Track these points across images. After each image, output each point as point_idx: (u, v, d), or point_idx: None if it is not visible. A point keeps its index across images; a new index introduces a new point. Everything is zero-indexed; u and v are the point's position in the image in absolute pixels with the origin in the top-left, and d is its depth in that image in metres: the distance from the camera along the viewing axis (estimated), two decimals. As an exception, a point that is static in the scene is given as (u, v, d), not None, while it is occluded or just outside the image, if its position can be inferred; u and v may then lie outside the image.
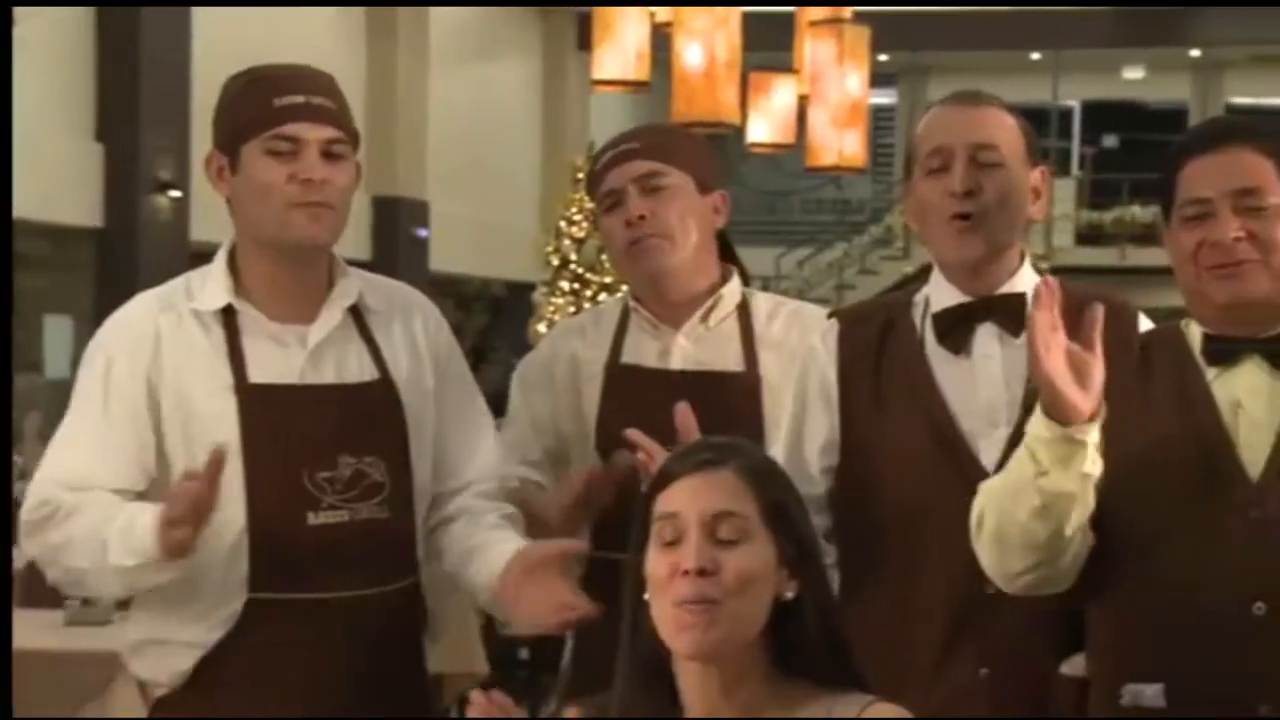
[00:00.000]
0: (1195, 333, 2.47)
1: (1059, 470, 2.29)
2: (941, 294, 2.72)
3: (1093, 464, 2.29)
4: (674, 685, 2.11)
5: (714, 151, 3.24)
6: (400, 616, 2.78)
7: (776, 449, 2.74)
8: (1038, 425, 2.28)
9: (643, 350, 3.04)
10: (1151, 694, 2.38)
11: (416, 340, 2.85)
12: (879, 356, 2.72)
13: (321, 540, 2.65)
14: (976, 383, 2.66)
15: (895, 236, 20.84)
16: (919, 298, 2.76)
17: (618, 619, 2.20)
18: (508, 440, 3.05)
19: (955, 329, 2.69)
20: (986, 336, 2.68)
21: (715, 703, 2.08)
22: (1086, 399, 2.23)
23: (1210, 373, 2.44)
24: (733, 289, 3.08)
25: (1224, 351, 2.43)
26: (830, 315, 2.87)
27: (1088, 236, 21.20)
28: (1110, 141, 22.73)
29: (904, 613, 2.63)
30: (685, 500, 2.07)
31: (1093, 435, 2.27)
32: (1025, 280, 2.71)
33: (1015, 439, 2.50)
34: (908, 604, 2.63)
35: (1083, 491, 2.31)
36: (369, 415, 2.74)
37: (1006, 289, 2.69)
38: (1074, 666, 2.61)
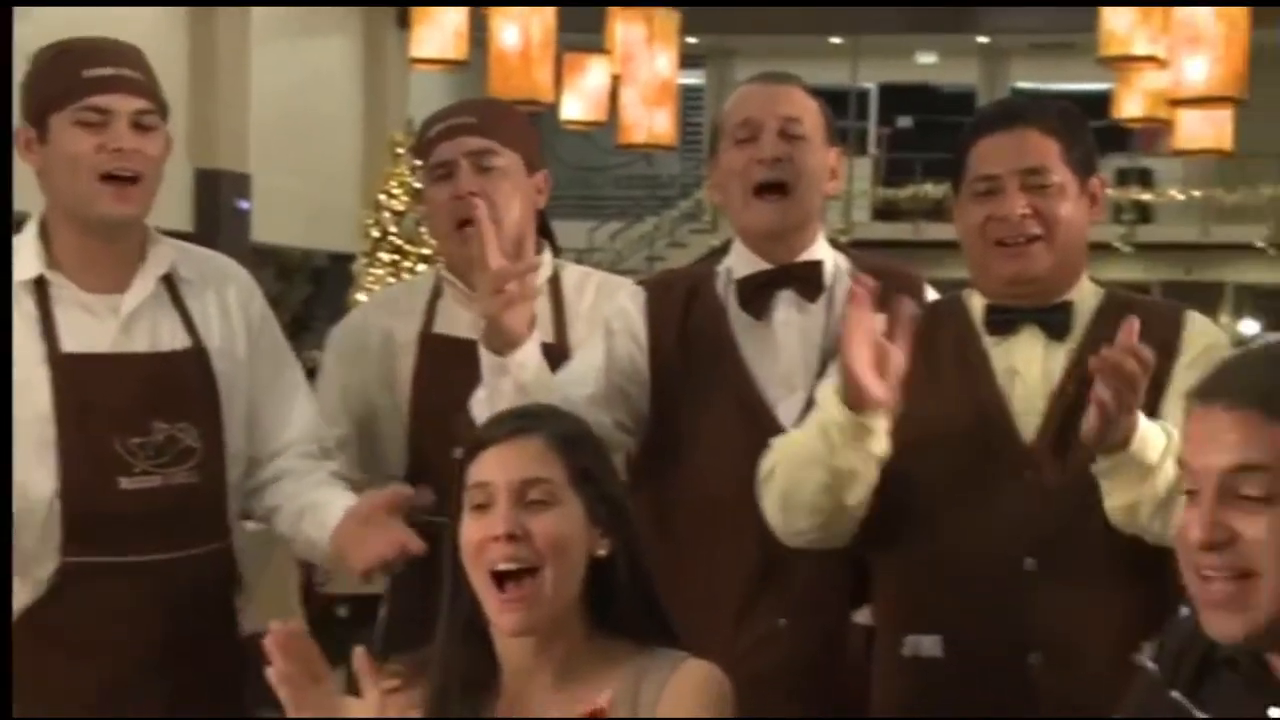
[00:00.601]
0: (977, 303, 2.53)
1: (849, 452, 2.34)
2: (743, 263, 2.75)
3: (881, 446, 2.34)
4: (492, 644, 2.11)
5: (537, 130, 3.23)
6: (211, 578, 2.75)
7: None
8: (834, 408, 2.32)
9: (456, 321, 3.00)
10: (929, 644, 2.43)
11: (229, 308, 2.81)
12: (684, 323, 2.74)
13: (133, 505, 2.62)
14: (777, 348, 2.70)
15: (704, 211, 20.96)
16: (721, 268, 2.78)
17: (431, 580, 2.20)
18: (326, 409, 2.99)
19: (757, 296, 2.72)
20: (786, 303, 2.72)
21: (532, 663, 2.09)
22: (884, 389, 2.27)
23: (989, 341, 2.49)
24: (545, 262, 3.07)
25: (1003, 322, 2.49)
26: (638, 284, 2.89)
27: (883, 212, 21.52)
28: (905, 122, 23.06)
29: (708, 567, 2.66)
30: (495, 468, 2.07)
31: (884, 422, 2.31)
32: (821, 251, 2.76)
33: (811, 403, 2.55)
34: (712, 559, 2.66)
35: (869, 471, 2.36)
36: (181, 382, 2.70)
37: (806, 257, 2.73)
38: (866, 616, 2.67)
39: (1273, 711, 1.68)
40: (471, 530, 2.06)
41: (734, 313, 2.73)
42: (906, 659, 2.46)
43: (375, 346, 3.04)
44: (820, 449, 2.34)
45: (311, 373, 3.08)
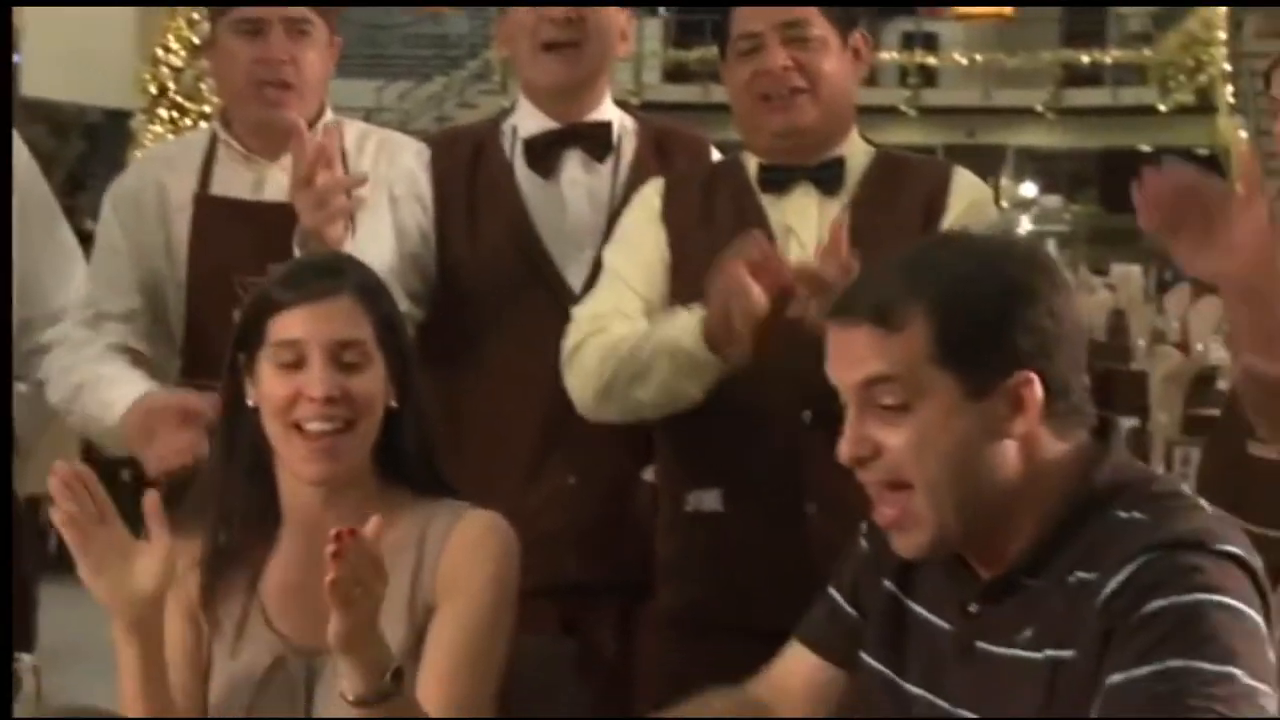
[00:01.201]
0: (752, 163, 2.56)
1: (691, 380, 2.37)
2: (530, 120, 2.73)
3: (720, 374, 2.36)
4: (276, 491, 2.11)
5: None
6: None
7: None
8: (691, 340, 2.33)
9: (233, 181, 2.89)
10: (710, 499, 2.48)
11: None
12: (470, 182, 2.71)
13: None
14: (565, 207, 2.69)
15: (493, 71, 20.77)
16: (506, 125, 2.75)
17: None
18: (104, 275, 2.88)
19: (545, 154, 2.70)
20: (574, 163, 2.71)
21: (319, 513, 2.09)
22: (747, 332, 2.27)
23: (766, 200, 2.53)
24: (325, 119, 3.00)
25: (777, 180, 2.52)
26: (423, 141, 2.85)
27: (673, 74, 21.55)
28: (694, -17, 23.02)
29: (495, 426, 2.67)
30: (306, 327, 2.05)
31: (738, 358, 2.32)
32: (609, 112, 2.76)
33: (599, 263, 2.57)
34: (499, 417, 2.67)
35: (701, 395, 2.39)
36: None
37: (593, 117, 2.73)
38: (653, 473, 2.71)
39: (972, 606, 1.72)
40: (277, 386, 2.05)
41: (521, 171, 2.71)
42: (689, 514, 2.50)
43: (151, 206, 2.90)
44: (663, 367, 2.37)
45: (86, 238, 2.99)
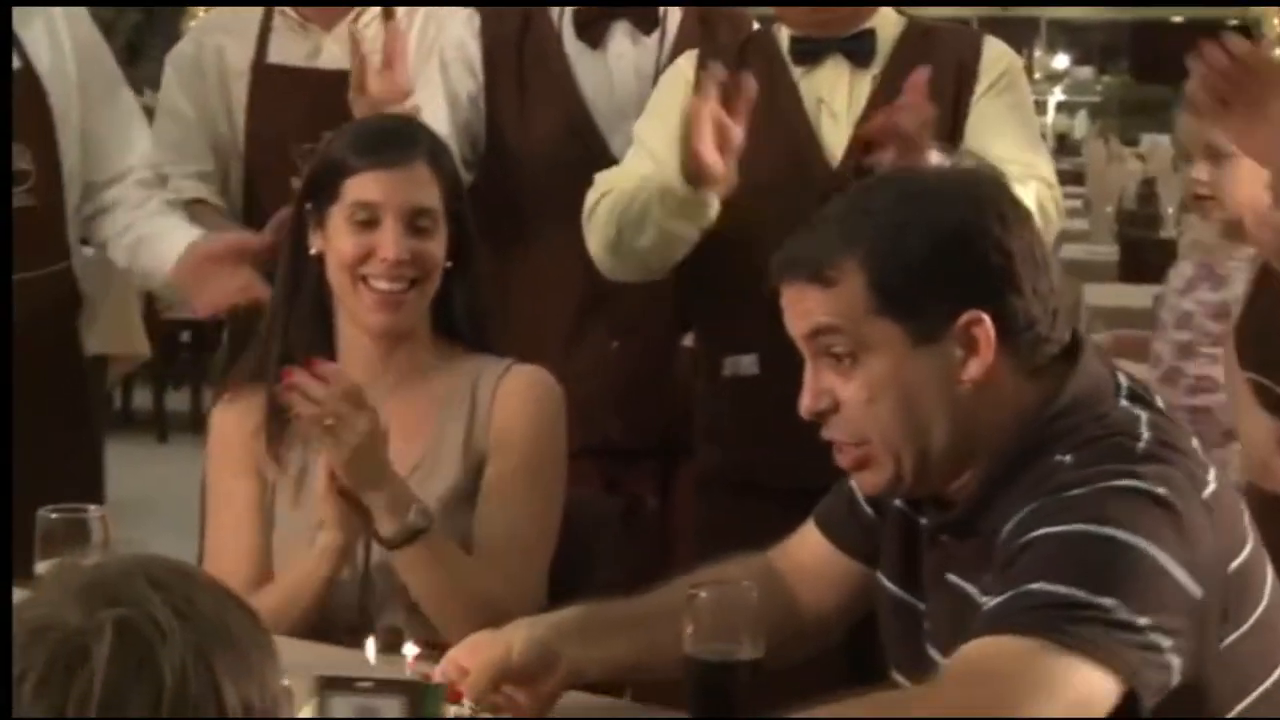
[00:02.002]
0: (784, 35, 2.54)
1: (682, 221, 2.37)
2: None
3: (712, 215, 2.36)
4: (334, 337, 2.14)
5: None
6: (53, 299, 2.73)
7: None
8: (674, 177, 2.32)
9: (289, 50, 2.88)
10: (747, 363, 2.49)
11: (58, 31, 2.74)
12: (520, 49, 2.71)
13: None
14: (611, 78, 2.69)
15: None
16: None
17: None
18: (169, 140, 2.89)
19: (593, 26, 2.70)
20: (621, 35, 2.71)
21: (377, 363, 2.14)
22: (723, 167, 2.26)
23: (797, 72, 2.51)
24: None
25: (809, 52, 2.51)
26: (473, 8, 2.80)
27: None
28: None
29: (542, 292, 2.68)
30: (385, 191, 2.09)
31: (718, 195, 2.32)
32: None
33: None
34: (545, 282, 2.68)
35: (696, 235, 2.39)
36: (12, 105, 2.63)
37: None
38: (691, 339, 2.72)
39: (942, 537, 1.67)
40: (350, 244, 2.09)
41: (569, 42, 2.71)
42: (726, 378, 2.52)
43: (212, 71, 2.90)
44: (655, 211, 2.36)
45: (149, 111, 3.00)
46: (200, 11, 11.65)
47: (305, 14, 2.88)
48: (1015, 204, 1.65)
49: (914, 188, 1.67)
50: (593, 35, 2.70)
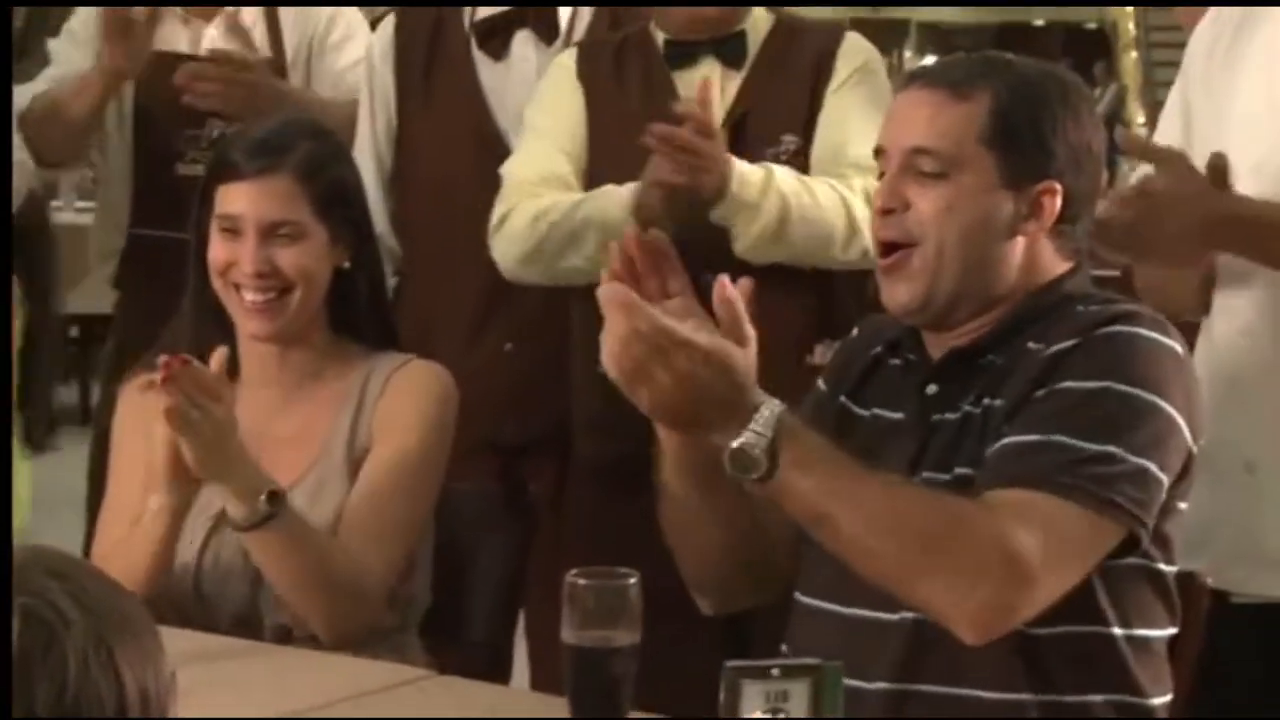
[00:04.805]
0: (660, 36, 2.55)
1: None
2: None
3: None
4: (235, 339, 2.11)
5: None
6: None
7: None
8: (620, 210, 2.33)
9: (172, 41, 2.91)
10: None
11: None
12: (430, 52, 2.71)
13: None
14: (516, 86, 2.67)
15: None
16: None
17: (160, 293, 2.23)
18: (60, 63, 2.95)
19: (495, 35, 2.69)
20: (526, 43, 2.69)
21: (274, 367, 2.12)
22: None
23: (673, 71, 2.52)
24: None
25: (683, 54, 2.52)
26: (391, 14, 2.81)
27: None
28: None
29: (438, 288, 2.68)
30: (243, 204, 2.07)
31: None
32: None
33: None
34: (442, 280, 2.68)
35: None
36: None
37: None
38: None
39: (929, 388, 1.76)
40: (219, 251, 2.08)
41: (476, 47, 2.70)
42: (601, 374, 2.49)
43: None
44: (590, 238, 2.37)
45: None
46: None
47: (188, 10, 2.93)
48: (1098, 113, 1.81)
49: (1054, 66, 1.84)
50: (494, 47, 2.69)
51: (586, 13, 2.73)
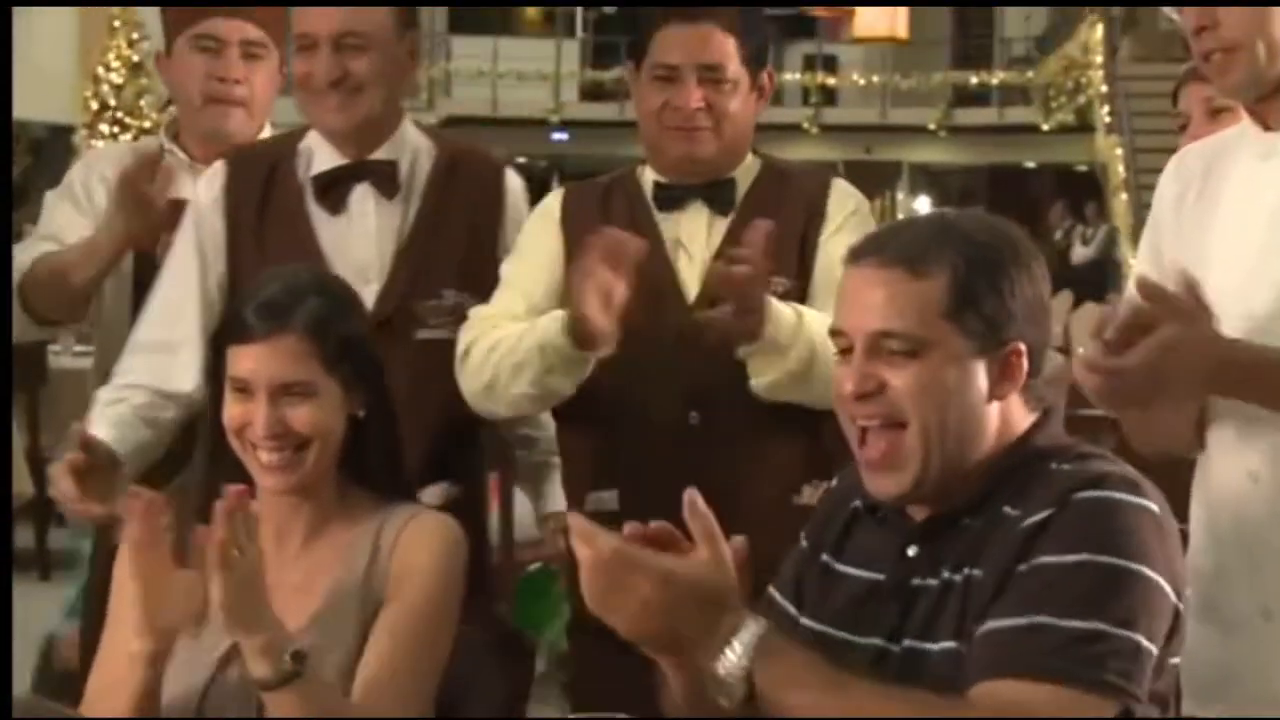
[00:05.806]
0: (649, 178, 2.56)
1: (563, 376, 2.38)
2: (320, 152, 2.65)
3: (589, 370, 2.36)
4: (253, 486, 2.08)
5: None
6: None
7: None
8: (557, 336, 2.32)
9: (179, 188, 2.85)
10: (609, 499, 2.48)
11: None
12: (263, 204, 2.64)
13: None
14: (353, 240, 2.62)
15: (419, 90, 20.63)
16: (303, 146, 2.67)
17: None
18: (50, 227, 2.95)
19: (333, 189, 2.62)
20: (362, 196, 2.63)
21: (286, 515, 2.11)
22: (608, 328, 2.28)
23: (660, 216, 2.53)
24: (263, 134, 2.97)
25: (672, 197, 2.54)
26: (226, 159, 2.73)
27: (590, 93, 21.53)
28: (610, 9, 22.99)
29: None
30: (253, 367, 2.06)
31: (603, 352, 2.32)
32: (408, 139, 2.67)
33: (386, 294, 2.55)
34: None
35: (572, 389, 2.39)
36: None
37: (384, 154, 2.64)
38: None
39: (910, 549, 1.75)
40: (234, 411, 2.08)
41: (312, 201, 2.63)
42: (590, 514, 2.49)
43: (97, 193, 2.92)
44: (535, 363, 2.36)
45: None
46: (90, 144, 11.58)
47: (194, 154, 2.96)
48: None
49: (990, 220, 1.81)
50: (332, 200, 2.62)
51: (426, 166, 2.66)
